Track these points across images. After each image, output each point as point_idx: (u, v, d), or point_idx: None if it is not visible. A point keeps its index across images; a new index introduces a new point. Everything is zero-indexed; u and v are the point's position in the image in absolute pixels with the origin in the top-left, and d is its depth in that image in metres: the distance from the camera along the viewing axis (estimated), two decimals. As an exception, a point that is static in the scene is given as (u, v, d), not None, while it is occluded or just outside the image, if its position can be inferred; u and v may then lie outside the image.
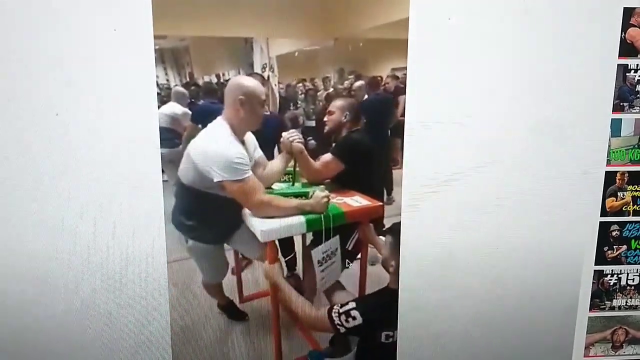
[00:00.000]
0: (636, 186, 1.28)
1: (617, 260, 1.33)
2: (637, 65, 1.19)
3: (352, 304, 1.36)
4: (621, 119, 1.23)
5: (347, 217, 1.42)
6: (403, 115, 1.21)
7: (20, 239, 1.16)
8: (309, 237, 1.47)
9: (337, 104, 1.38)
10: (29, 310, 1.21)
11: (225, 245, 1.47)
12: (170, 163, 1.27)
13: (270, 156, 1.42)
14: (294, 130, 1.39)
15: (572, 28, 1.15)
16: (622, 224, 1.30)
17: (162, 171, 1.20)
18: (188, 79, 1.31)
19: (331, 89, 1.36)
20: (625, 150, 1.25)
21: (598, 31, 1.16)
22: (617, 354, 1.41)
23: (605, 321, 1.37)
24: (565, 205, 1.26)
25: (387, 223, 1.38)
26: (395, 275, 1.32)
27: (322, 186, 1.43)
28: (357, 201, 1.45)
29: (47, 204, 1.15)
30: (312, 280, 1.46)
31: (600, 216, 1.29)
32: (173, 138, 1.28)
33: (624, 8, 1.15)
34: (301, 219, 1.38)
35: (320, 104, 1.39)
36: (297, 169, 1.45)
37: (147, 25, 1.10)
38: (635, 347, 1.41)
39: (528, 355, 1.37)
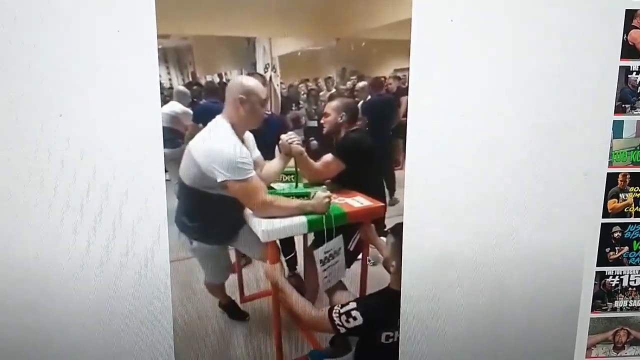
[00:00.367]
0: (638, 187, 1.29)
1: (618, 262, 1.34)
2: (639, 67, 1.21)
3: (353, 304, 1.37)
4: (623, 120, 1.24)
5: (348, 217, 1.43)
6: (405, 116, 1.22)
7: (22, 240, 1.17)
8: (311, 237, 1.48)
9: (332, 105, 1.40)
10: (29, 310, 1.22)
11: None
12: (172, 162, 1.28)
13: (271, 156, 1.43)
14: (292, 132, 1.40)
15: (574, 30, 1.16)
16: (623, 226, 1.31)
17: (165, 170, 1.21)
18: (190, 79, 1.31)
19: (333, 90, 1.37)
20: (627, 151, 1.26)
21: (600, 33, 1.17)
22: (618, 355, 1.42)
23: (607, 322, 1.38)
24: (567, 206, 1.27)
25: (390, 224, 1.39)
26: (396, 275, 1.33)
27: (323, 186, 1.44)
28: (358, 201, 1.46)
29: (49, 204, 1.16)
30: (314, 280, 1.46)
31: (602, 217, 1.30)
32: (175, 137, 1.29)
33: (626, 10, 1.16)
34: (303, 219, 1.39)
35: (323, 104, 1.40)
36: (295, 170, 1.47)
37: (151, 26, 1.11)
38: (637, 348, 1.41)
39: (530, 356, 1.37)
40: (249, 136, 1.39)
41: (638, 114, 1.24)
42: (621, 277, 1.35)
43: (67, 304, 1.23)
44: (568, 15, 1.15)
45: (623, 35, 1.18)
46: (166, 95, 1.24)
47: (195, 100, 1.31)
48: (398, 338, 1.37)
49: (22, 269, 1.19)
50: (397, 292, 1.33)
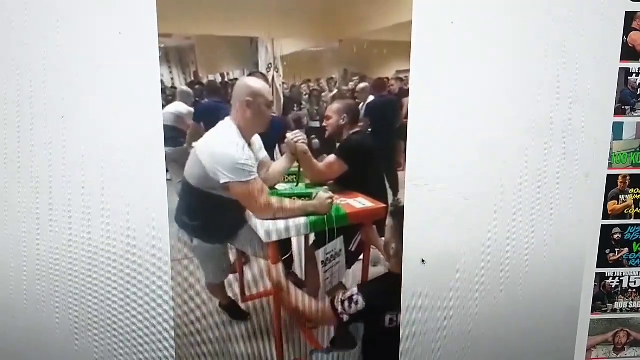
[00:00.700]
0: (638, 189, 1.30)
1: (618, 263, 1.34)
2: (639, 68, 1.22)
3: (354, 290, 1.38)
4: (623, 122, 1.25)
5: (350, 218, 1.45)
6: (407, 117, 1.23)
7: (22, 241, 1.18)
8: (311, 237, 1.50)
9: (334, 107, 1.42)
10: (30, 311, 1.23)
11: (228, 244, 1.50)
12: (173, 162, 1.29)
13: (270, 157, 1.45)
14: (298, 130, 1.42)
15: (574, 31, 1.17)
16: (623, 227, 1.32)
17: (166, 170, 1.22)
18: (192, 78, 1.33)
19: (335, 90, 1.39)
20: (627, 153, 1.27)
21: (600, 35, 1.18)
22: (618, 356, 1.42)
23: (607, 323, 1.39)
24: (567, 208, 1.28)
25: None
26: (396, 258, 1.33)
27: (325, 187, 1.46)
28: (360, 202, 1.48)
29: (50, 205, 1.17)
30: (315, 280, 1.48)
31: (602, 219, 1.31)
32: (177, 137, 1.31)
33: (626, 12, 1.18)
34: (304, 219, 1.41)
35: (325, 105, 1.42)
36: (298, 170, 1.48)
37: (152, 26, 1.12)
38: (637, 349, 1.42)
39: (530, 357, 1.38)
40: (255, 137, 1.41)
41: (638, 116, 1.25)
42: (621, 278, 1.36)
43: (68, 304, 1.24)
44: (568, 17, 1.17)
45: (623, 37, 1.19)
46: (168, 94, 1.25)
47: (197, 99, 1.33)
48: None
49: (22, 270, 1.20)
50: (398, 275, 1.33)
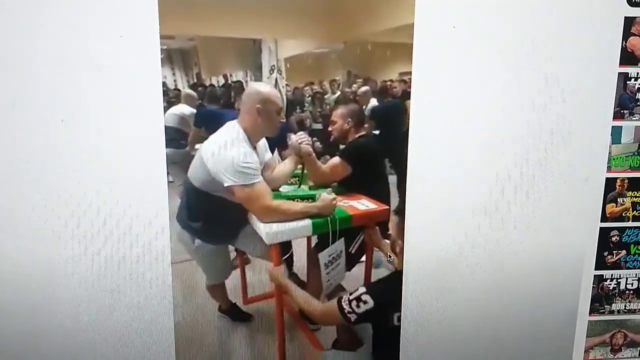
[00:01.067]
0: (636, 192, 1.32)
1: (616, 265, 1.37)
2: (638, 73, 1.25)
3: (362, 289, 1.38)
4: (621, 126, 1.27)
5: (353, 220, 1.47)
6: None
7: (22, 244, 1.20)
8: (313, 239, 1.52)
9: (338, 112, 1.46)
10: (30, 314, 1.25)
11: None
12: (174, 164, 1.32)
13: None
14: (302, 132, 1.45)
15: (574, 37, 1.20)
16: (621, 230, 1.35)
17: (167, 172, 1.22)
18: (195, 80, 1.36)
19: (338, 92, 1.42)
20: (625, 157, 1.29)
21: (599, 40, 1.21)
22: (616, 357, 1.44)
23: (605, 325, 1.41)
24: (566, 210, 1.30)
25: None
26: (402, 256, 1.33)
27: (329, 189, 1.49)
28: (363, 204, 1.50)
29: (51, 209, 1.19)
30: (316, 283, 1.51)
31: (601, 222, 1.33)
32: (180, 139, 1.34)
33: (625, 17, 1.20)
34: (308, 221, 1.43)
35: (328, 107, 1.44)
36: (301, 172, 1.50)
37: (154, 28, 1.13)
38: (634, 350, 1.44)
39: (528, 357, 1.40)
40: (261, 140, 1.44)
41: (636, 120, 1.28)
42: (619, 280, 1.38)
43: (68, 308, 1.26)
44: (568, 23, 1.19)
45: (622, 42, 1.22)
46: (172, 96, 1.27)
47: (200, 102, 1.36)
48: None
49: (22, 273, 1.22)
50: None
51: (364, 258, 1.58)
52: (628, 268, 1.39)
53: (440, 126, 1.24)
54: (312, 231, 1.45)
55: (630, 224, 1.36)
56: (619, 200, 1.33)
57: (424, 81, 1.22)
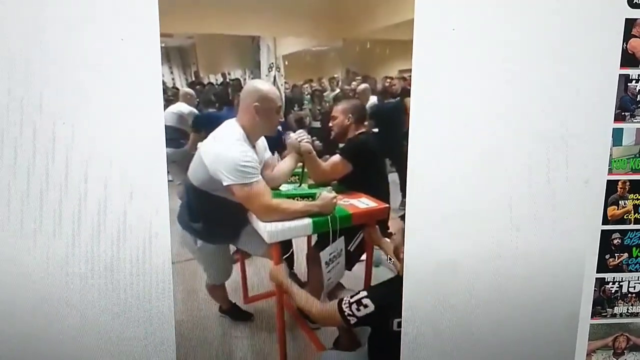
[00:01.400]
0: (637, 195, 1.32)
1: (618, 268, 1.37)
2: (639, 75, 1.25)
3: (364, 293, 1.39)
4: (622, 128, 1.27)
5: (353, 219, 1.49)
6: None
7: (23, 244, 1.22)
8: (314, 238, 1.54)
9: (339, 107, 1.47)
10: (29, 314, 1.26)
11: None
12: (175, 163, 1.33)
13: (270, 156, 1.49)
14: (302, 130, 1.47)
15: (575, 39, 1.20)
16: (623, 232, 1.35)
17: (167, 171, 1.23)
18: (194, 78, 1.37)
19: (337, 90, 1.43)
20: (627, 159, 1.30)
21: (600, 42, 1.21)
22: None
23: (607, 328, 1.41)
24: (567, 213, 1.30)
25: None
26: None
27: (329, 187, 1.51)
28: (363, 203, 1.52)
29: (52, 209, 1.20)
30: (317, 281, 1.53)
31: (602, 224, 1.33)
32: (179, 138, 1.36)
33: (626, 19, 1.20)
34: (308, 220, 1.45)
35: (327, 104, 1.46)
36: (302, 170, 1.52)
37: (154, 26, 1.13)
38: (637, 354, 1.44)
39: None
40: (261, 138, 1.46)
41: (637, 122, 1.28)
42: (621, 283, 1.38)
43: (68, 308, 1.27)
44: (568, 24, 1.19)
45: (623, 44, 1.22)
46: (170, 95, 1.29)
47: (199, 101, 1.37)
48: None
49: (21, 272, 1.23)
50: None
51: (364, 257, 1.60)
52: (630, 271, 1.39)
53: (441, 129, 1.25)
54: (313, 230, 1.47)
55: (632, 226, 1.36)
56: (620, 202, 1.33)
57: (423, 85, 1.22)
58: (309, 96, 1.47)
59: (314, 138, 1.49)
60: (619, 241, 1.36)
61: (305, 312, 1.47)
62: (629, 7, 1.20)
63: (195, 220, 1.45)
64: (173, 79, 1.34)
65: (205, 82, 1.41)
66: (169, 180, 1.25)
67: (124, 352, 1.33)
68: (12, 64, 1.13)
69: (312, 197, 1.49)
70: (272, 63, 1.42)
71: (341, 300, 1.41)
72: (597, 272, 1.38)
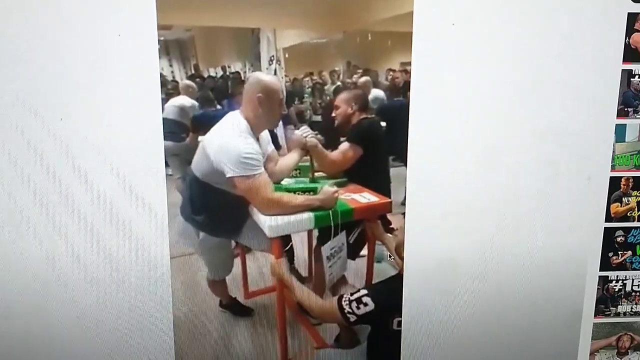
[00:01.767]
0: None
1: (622, 266, 1.37)
2: None
3: (364, 291, 1.41)
4: (625, 124, 1.27)
5: (355, 213, 1.50)
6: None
7: (24, 241, 1.24)
8: (315, 232, 1.56)
9: (342, 97, 1.48)
10: (29, 312, 1.28)
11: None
12: (174, 157, 1.36)
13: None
14: (305, 126, 1.49)
15: (577, 33, 1.20)
16: (627, 230, 1.35)
17: (166, 164, 1.23)
18: (193, 71, 1.39)
19: (338, 83, 1.44)
20: (630, 155, 1.30)
21: (602, 37, 1.21)
22: None
23: (611, 327, 1.41)
24: (569, 210, 1.31)
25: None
26: None
27: (331, 181, 1.52)
28: (365, 197, 1.53)
29: (52, 205, 1.22)
30: (320, 276, 1.55)
31: (605, 222, 1.34)
32: (179, 131, 1.38)
33: (628, 13, 1.20)
34: (309, 214, 1.46)
35: (328, 98, 1.47)
36: (311, 163, 1.54)
37: (151, 20, 1.14)
38: None
39: None
40: (264, 132, 1.47)
41: None
42: (624, 281, 1.38)
43: (66, 304, 1.28)
44: (570, 19, 1.19)
45: (625, 39, 1.22)
46: (169, 88, 1.30)
47: (199, 97, 1.39)
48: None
49: (22, 271, 1.25)
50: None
51: (365, 252, 1.62)
52: (634, 269, 1.39)
53: (441, 126, 1.25)
54: (314, 224, 1.48)
55: (635, 224, 1.36)
56: (623, 199, 1.33)
57: (423, 82, 1.23)
58: (309, 89, 1.48)
59: (316, 132, 1.51)
60: (623, 239, 1.36)
61: (305, 307, 1.48)
62: (632, 2, 1.20)
63: (198, 213, 1.47)
64: (172, 72, 1.36)
65: (205, 75, 1.42)
66: (168, 174, 1.26)
67: (123, 347, 1.34)
68: (8, 59, 1.14)
69: (313, 191, 1.50)
70: (273, 56, 1.43)
71: (341, 297, 1.43)
72: (600, 270, 1.38)
